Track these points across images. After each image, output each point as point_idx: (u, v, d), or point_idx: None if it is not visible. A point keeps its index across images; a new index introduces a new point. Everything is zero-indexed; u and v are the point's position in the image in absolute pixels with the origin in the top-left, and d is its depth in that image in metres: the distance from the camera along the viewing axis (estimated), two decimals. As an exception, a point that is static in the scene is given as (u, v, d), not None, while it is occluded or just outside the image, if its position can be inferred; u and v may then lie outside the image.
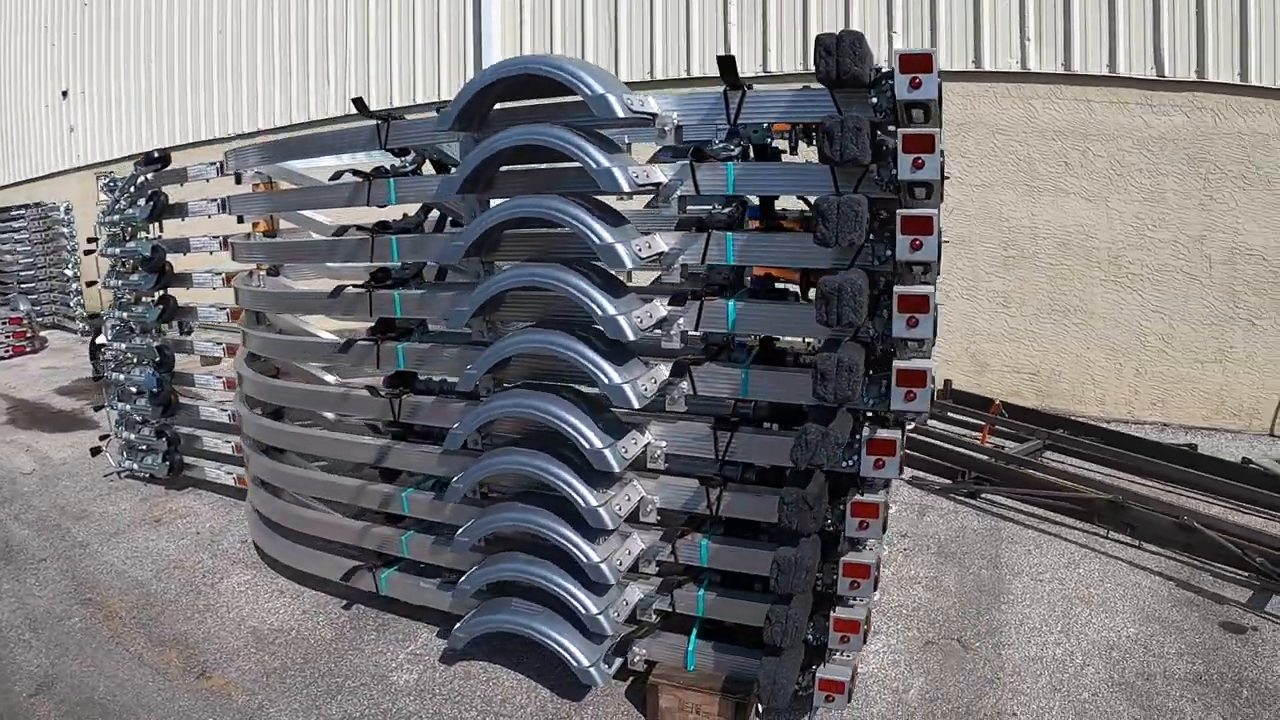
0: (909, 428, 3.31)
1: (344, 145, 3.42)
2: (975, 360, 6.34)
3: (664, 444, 2.78)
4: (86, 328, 10.02)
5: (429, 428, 3.42)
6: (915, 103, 2.15)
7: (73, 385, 8.12)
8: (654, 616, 2.98)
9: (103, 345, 5.19)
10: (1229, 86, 5.42)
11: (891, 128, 2.34)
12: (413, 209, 3.58)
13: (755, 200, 2.95)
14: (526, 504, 2.87)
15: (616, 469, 2.57)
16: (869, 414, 2.57)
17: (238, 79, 9.86)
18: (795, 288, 3.02)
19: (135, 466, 5.21)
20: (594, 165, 2.36)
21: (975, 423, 5.73)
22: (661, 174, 2.52)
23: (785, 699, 2.58)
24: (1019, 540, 4.30)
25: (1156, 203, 5.73)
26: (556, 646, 2.84)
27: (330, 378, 4.57)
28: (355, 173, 3.18)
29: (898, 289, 2.28)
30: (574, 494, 2.63)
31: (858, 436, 2.48)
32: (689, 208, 2.81)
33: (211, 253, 4.65)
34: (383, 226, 3.39)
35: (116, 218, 5.00)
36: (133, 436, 5.17)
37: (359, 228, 3.25)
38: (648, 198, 2.82)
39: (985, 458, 4.97)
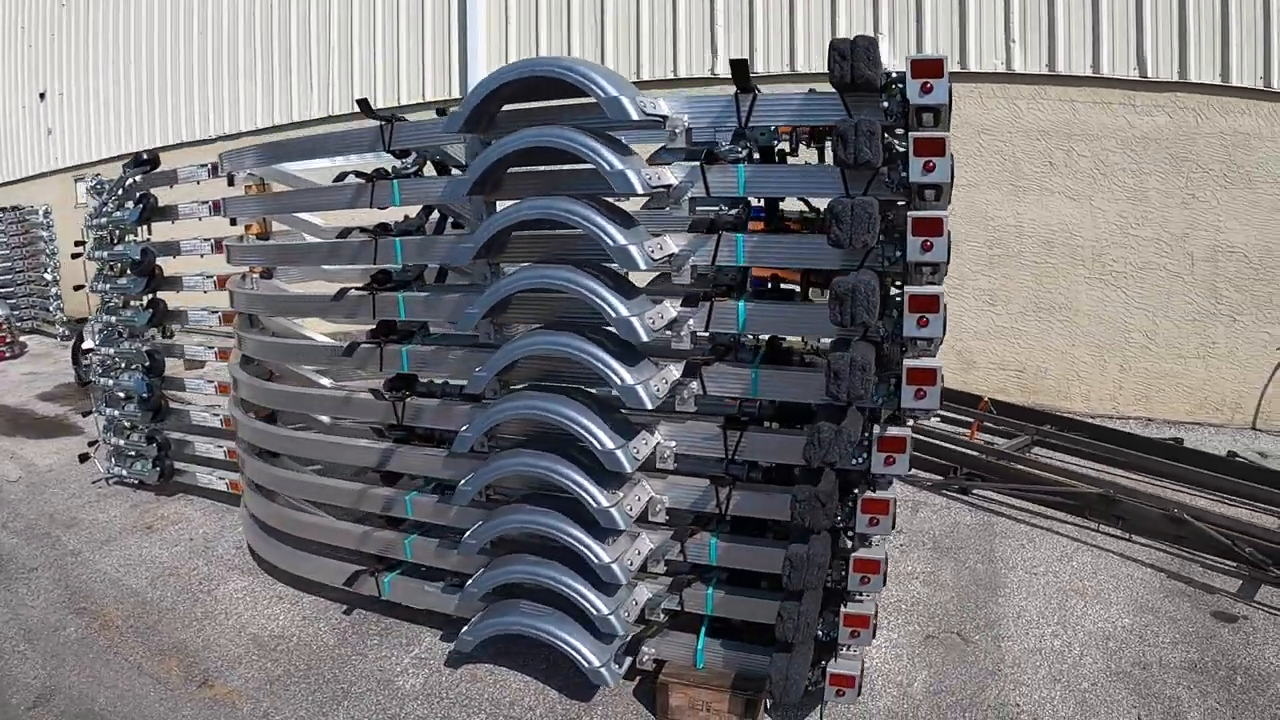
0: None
1: (344, 147, 3.40)
2: (962, 358, 6.42)
3: (673, 444, 2.79)
4: (66, 332, 9.87)
5: (431, 431, 3.40)
6: (926, 107, 2.19)
7: (55, 391, 7.98)
8: (662, 616, 3.00)
9: (90, 350, 5.11)
10: (1210, 87, 5.53)
11: (899, 131, 2.38)
12: (403, 211, 3.56)
13: (755, 201, 2.97)
14: (535, 506, 2.88)
15: (629, 469, 2.58)
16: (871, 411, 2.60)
17: (219, 81, 9.74)
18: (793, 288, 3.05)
19: (124, 473, 5.14)
20: (608, 168, 2.37)
21: (964, 419, 5.80)
22: (672, 176, 2.54)
23: (798, 694, 2.61)
24: (1012, 535, 4.37)
25: (1140, 201, 5.83)
26: (567, 648, 2.84)
27: (325, 381, 4.54)
28: (358, 174, 3.16)
29: (909, 289, 2.32)
30: (586, 495, 2.64)
31: (866, 434, 2.51)
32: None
33: (202, 255, 4.59)
34: (383, 228, 3.37)
35: (104, 220, 4.92)
36: (121, 442, 5.10)
37: (361, 229, 3.23)
38: (643, 199, 2.83)
39: (976, 454, 5.03)
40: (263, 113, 9.37)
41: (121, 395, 5.04)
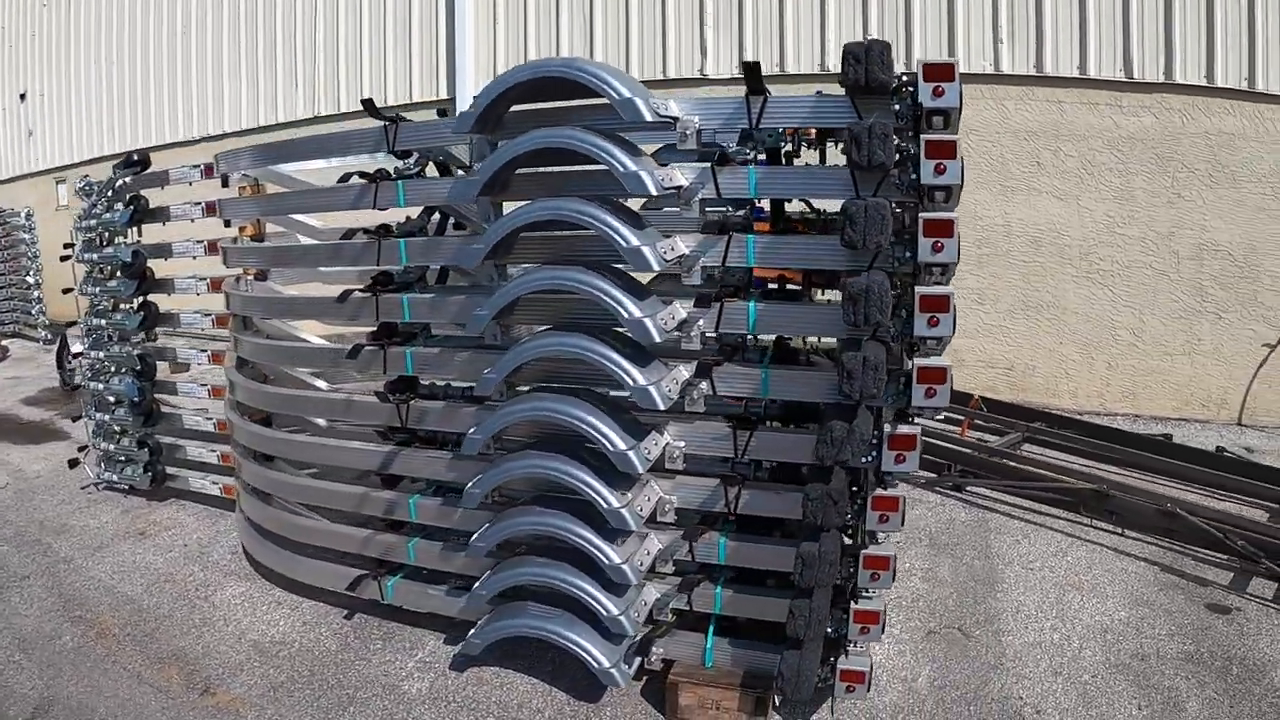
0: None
1: (345, 147, 3.38)
2: (951, 356, 6.45)
3: (682, 444, 2.80)
4: (49, 336, 9.72)
5: (433, 433, 3.39)
6: (938, 110, 2.21)
7: (40, 395, 7.86)
8: (670, 615, 3.01)
9: (79, 354, 5.03)
10: (1196, 88, 5.63)
11: (906, 134, 2.40)
12: (398, 213, 3.53)
13: (758, 202, 2.98)
14: (544, 507, 2.87)
15: (641, 470, 2.59)
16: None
17: (202, 82, 9.64)
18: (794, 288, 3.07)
19: (115, 478, 5.07)
20: (621, 169, 2.38)
21: (955, 417, 5.86)
22: (682, 177, 2.55)
23: (810, 690, 2.63)
24: (1006, 530, 4.42)
25: (1126, 201, 5.92)
26: (577, 649, 2.84)
27: (321, 383, 4.51)
28: (361, 175, 3.14)
29: (920, 289, 2.34)
30: (597, 496, 2.64)
31: (875, 433, 2.53)
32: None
33: (195, 258, 4.54)
34: (384, 230, 3.35)
35: (94, 222, 4.85)
36: (111, 447, 5.03)
37: (365, 231, 3.21)
38: (640, 200, 2.84)
39: (970, 451, 5.08)
40: (247, 114, 9.28)
41: (112, 400, 4.97)
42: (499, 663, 3.27)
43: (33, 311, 10.43)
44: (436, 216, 3.53)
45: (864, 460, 2.53)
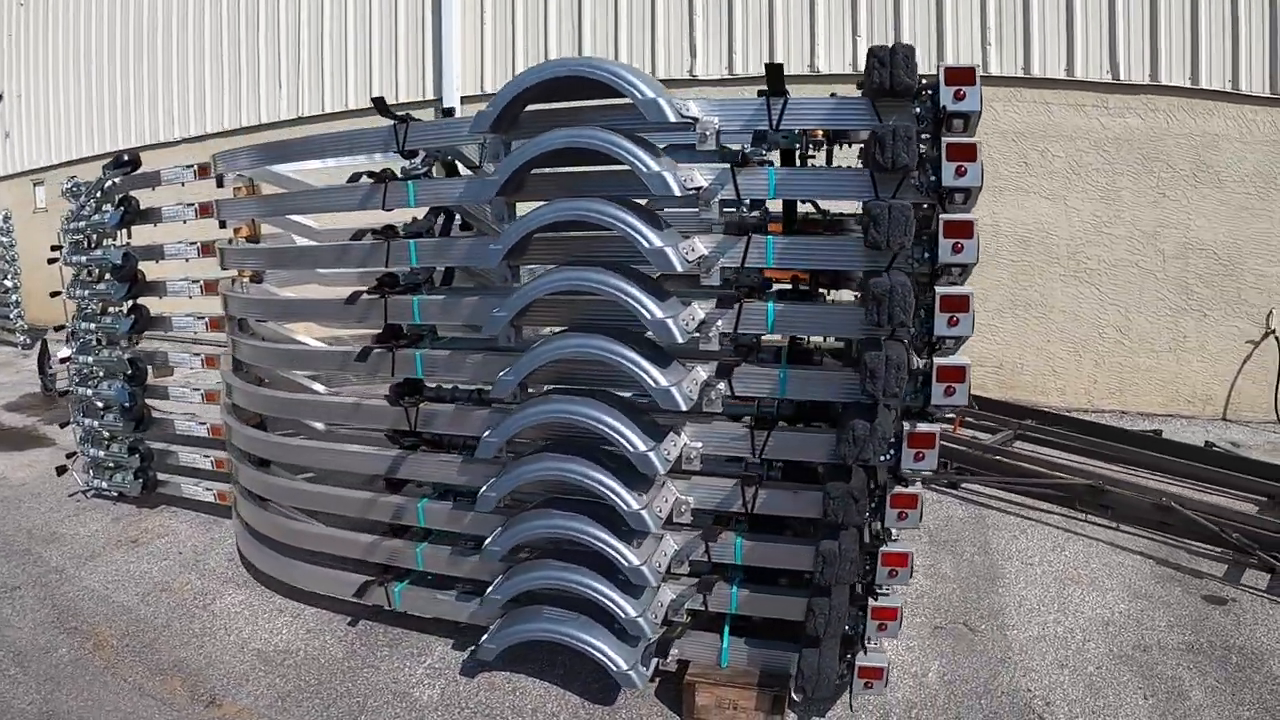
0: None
1: (348, 147, 3.34)
2: (943, 354, 6.55)
3: (699, 445, 2.80)
4: (29, 340, 9.52)
5: (439, 436, 3.36)
6: (959, 113, 2.24)
7: (21, 401, 7.67)
8: (685, 616, 3.01)
9: (67, 358, 4.93)
10: (1181, 90, 5.75)
11: (924, 136, 2.42)
12: (395, 214, 3.49)
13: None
14: (558, 510, 2.86)
15: (662, 471, 2.59)
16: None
17: (184, 84, 9.48)
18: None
19: (104, 485, 4.97)
20: (645, 170, 2.37)
21: (947, 415, 5.92)
22: (702, 178, 2.55)
23: (830, 688, 2.65)
24: (1003, 527, 4.48)
25: (1113, 201, 6.02)
26: (595, 652, 2.83)
27: (319, 386, 4.46)
28: (370, 175, 3.10)
29: (940, 289, 2.36)
30: (617, 498, 2.63)
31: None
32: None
33: (187, 260, 4.46)
34: (389, 230, 3.32)
35: (82, 224, 4.75)
36: (101, 453, 4.93)
37: (374, 232, 3.17)
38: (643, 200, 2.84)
39: (965, 448, 5.14)
40: (230, 115, 9.14)
41: (101, 405, 4.87)
42: (509, 667, 3.24)
43: (11, 315, 10.21)
44: (442, 217, 3.50)
45: (883, 459, 2.56)
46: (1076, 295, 6.22)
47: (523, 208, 2.91)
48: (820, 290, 3.09)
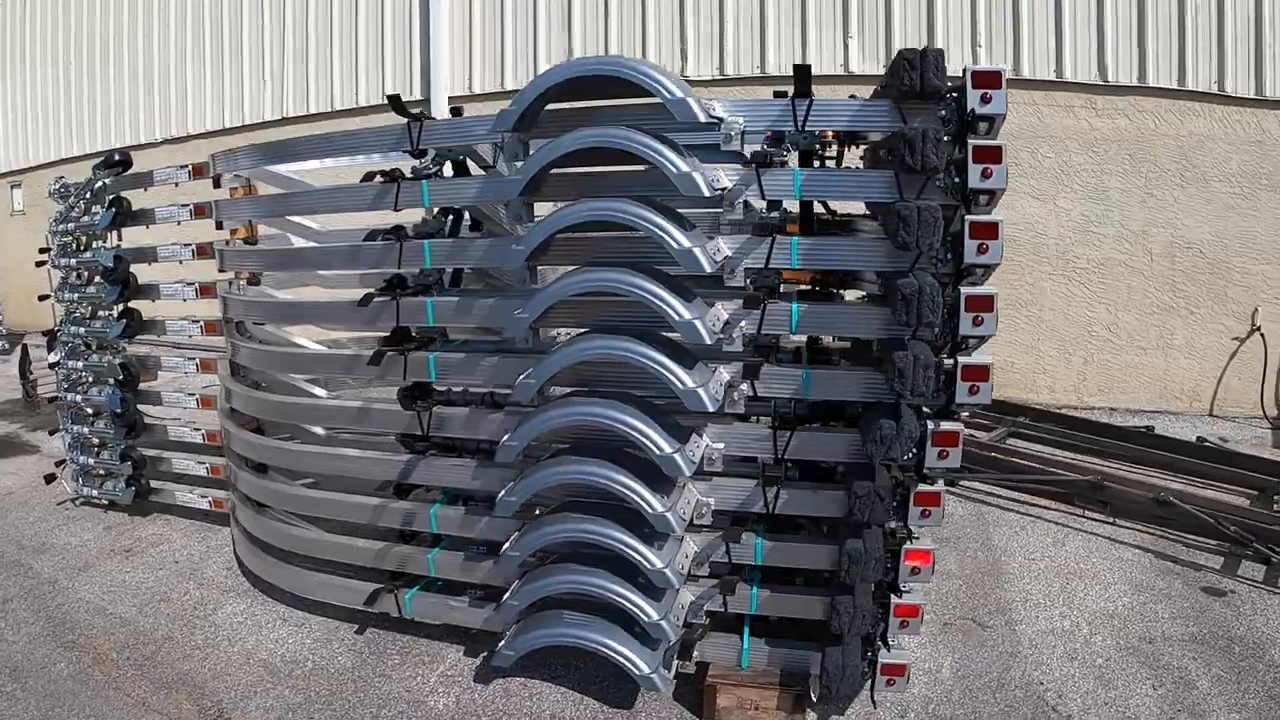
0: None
1: (354, 146, 3.29)
2: (935, 353, 6.60)
3: (721, 446, 2.80)
4: (8, 345, 9.29)
5: (450, 440, 3.32)
6: (985, 116, 2.26)
7: (2, 408, 7.47)
8: (705, 618, 3.00)
9: (56, 363, 4.81)
10: (1168, 91, 5.84)
11: (945, 138, 2.44)
12: (395, 215, 3.45)
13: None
14: (581, 514, 2.84)
15: (688, 474, 2.58)
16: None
17: (165, 85, 9.28)
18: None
19: (94, 493, 4.85)
20: (674, 170, 2.36)
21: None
22: (727, 179, 2.54)
23: (854, 686, 2.66)
24: (1004, 523, 4.53)
25: (1101, 200, 6.11)
26: (618, 656, 2.81)
27: (319, 390, 4.39)
28: (383, 174, 3.06)
29: (965, 290, 2.38)
30: (642, 501, 2.62)
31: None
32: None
33: (181, 261, 4.36)
34: (399, 231, 3.27)
35: (71, 225, 4.64)
36: (90, 461, 4.82)
37: (385, 233, 3.12)
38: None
39: (964, 446, 5.17)
40: (213, 116, 8.98)
41: (91, 411, 4.76)
42: (524, 673, 3.21)
43: (-12, 321, 9.95)
44: (450, 218, 3.46)
45: (907, 457, 2.57)
46: (1066, 294, 6.30)
47: (538, 209, 2.89)
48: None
